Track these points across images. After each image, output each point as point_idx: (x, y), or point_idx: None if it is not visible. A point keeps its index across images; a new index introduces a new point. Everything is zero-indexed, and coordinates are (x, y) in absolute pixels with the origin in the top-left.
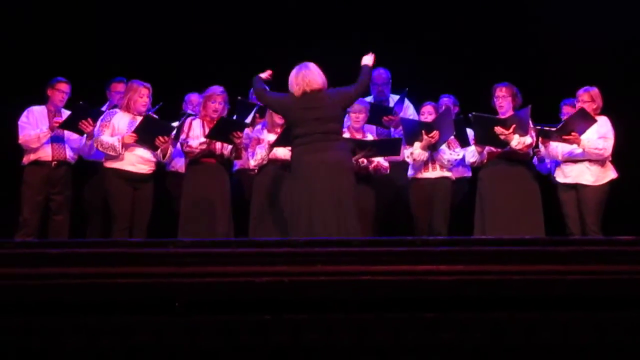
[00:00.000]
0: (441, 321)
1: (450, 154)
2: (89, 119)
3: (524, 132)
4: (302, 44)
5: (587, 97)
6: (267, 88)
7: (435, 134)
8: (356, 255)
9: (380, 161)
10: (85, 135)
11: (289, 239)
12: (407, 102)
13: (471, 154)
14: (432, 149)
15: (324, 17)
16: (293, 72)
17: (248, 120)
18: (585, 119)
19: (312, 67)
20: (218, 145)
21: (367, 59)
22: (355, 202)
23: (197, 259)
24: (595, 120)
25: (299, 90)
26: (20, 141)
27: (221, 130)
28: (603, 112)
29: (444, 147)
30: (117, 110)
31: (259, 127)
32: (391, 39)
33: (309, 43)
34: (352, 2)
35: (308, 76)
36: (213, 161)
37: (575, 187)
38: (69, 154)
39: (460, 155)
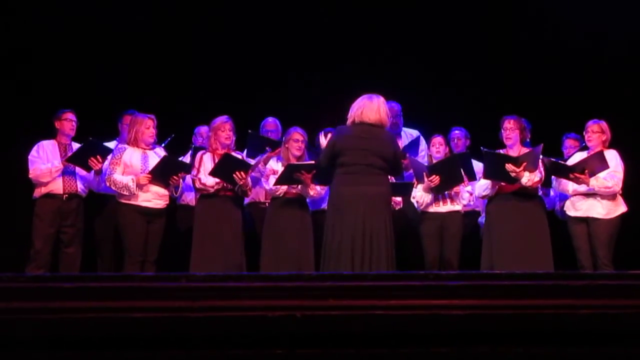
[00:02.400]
0: (454, 356)
1: (468, 192)
2: (97, 156)
3: (534, 168)
4: (309, 77)
5: (597, 129)
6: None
7: (434, 178)
8: (369, 289)
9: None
10: (93, 172)
11: (301, 272)
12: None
13: (483, 187)
14: (437, 191)
15: (333, 48)
16: (358, 100)
17: (257, 159)
18: (601, 163)
19: (375, 100)
20: None
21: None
22: (390, 238)
23: (210, 293)
24: (609, 167)
25: (358, 117)
26: (30, 175)
27: (225, 167)
28: (611, 145)
29: (462, 189)
30: (125, 146)
31: (274, 160)
32: (402, 71)
33: (315, 76)
34: (362, 35)
35: (363, 107)
36: (225, 194)
37: (586, 221)
38: (80, 186)
39: (470, 187)
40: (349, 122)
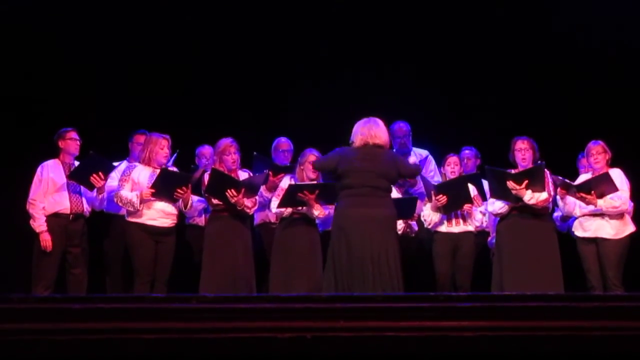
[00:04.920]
0: None
1: (480, 212)
2: (100, 173)
3: (539, 187)
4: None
5: (601, 149)
6: (320, 157)
7: (441, 197)
8: (379, 311)
9: (412, 223)
10: (95, 189)
11: (312, 294)
12: (429, 158)
13: (500, 205)
14: (444, 211)
15: (345, 69)
16: (360, 123)
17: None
18: (609, 184)
19: (380, 123)
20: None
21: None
22: (397, 259)
23: (220, 315)
24: (617, 189)
25: (361, 141)
26: (32, 197)
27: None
28: (616, 164)
29: (474, 210)
30: (136, 164)
31: (287, 178)
32: (412, 90)
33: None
34: (374, 57)
35: (374, 129)
36: (234, 214)
37: (595, 241)
38: (86, 206)
39: (483, 208)
40: (355, 144)
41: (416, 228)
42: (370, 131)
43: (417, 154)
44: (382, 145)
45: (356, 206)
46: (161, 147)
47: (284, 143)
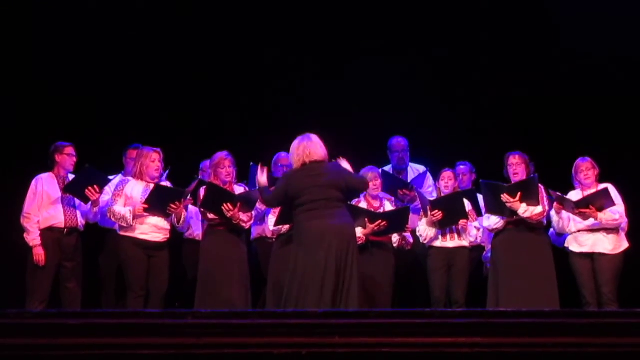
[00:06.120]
0: None
1: (475, 227)
2: (95, 186)
3: (534, 201)
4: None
5: (590, 165)
6: (268, 190)
7: (437, 213)
8: (374, 327)
9: (407, 236)
10: (90, 203)
11: (307, 310)
12: (427, 174)
13: (495, 220)
14: (440, 226)
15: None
16: (295, 143)
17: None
18: (607, 199)
19: (314, 138)
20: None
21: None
22: (357, 269)
23: (215, 330)
24: (615, 204)
25: (298, 162)
26: (26, 211)
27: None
28: (609, 180)
29: (469, 225)
30: (129, 178)
31: None
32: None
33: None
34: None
35: (309, 147)
36: (231, 229)
37: (592, 257)
38: (80, 220)
39: (477, 223)
40: (296, 165)
41: (411, 240)
42: (305, 150)
43: (414, 170)
44: (322, 161)
45: (315, 219)
46: (152, 160)
47: (283, 158)
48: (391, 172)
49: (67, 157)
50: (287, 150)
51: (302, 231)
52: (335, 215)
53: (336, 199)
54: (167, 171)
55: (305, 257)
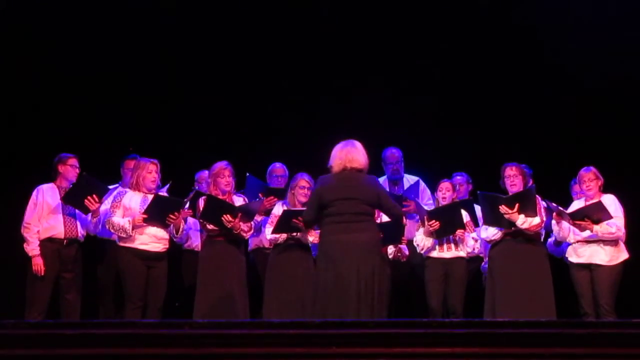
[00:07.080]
0: None
1: (472, 238)
2: (94, 196)
3: (532, 211)
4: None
5: (593, 176)
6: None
7: (434, 223)
8: (372, 337)
9: (403, 248)
10: (90, 213)
11: (304, 320)
12: (422, 185)
13: (492, 232)
14: (437, 236)
15: (338, 95)
16: (337, 147)
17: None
18: (602, 212)
19: (358, 145)
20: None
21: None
22: (385, 284)
23: (213, 340)
24: (611, 217)
25: (339, 166)
26: (26, 221)
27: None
28: (610, 190)
29: (466, 236)
30: (126, 189)
31: (279, 204)
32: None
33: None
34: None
35: (352, 153)
36: (229, 240)
37: (589, 267)
38: (80, 231)
39: (475, 234)
40: (336, 169)
41: (407, 252)
42: (348, 155)
43: (408, 181)
44: (361, 169)
45: (340, 233)
46: (149, 171)
47: (278, 169)
48: (386, 183)
49: (70, 168)
50: (283, 161)
51: (328, 243)
52: (362, 230)
53: (365, 213)
54: (168, 185)
55: (330, 271)
